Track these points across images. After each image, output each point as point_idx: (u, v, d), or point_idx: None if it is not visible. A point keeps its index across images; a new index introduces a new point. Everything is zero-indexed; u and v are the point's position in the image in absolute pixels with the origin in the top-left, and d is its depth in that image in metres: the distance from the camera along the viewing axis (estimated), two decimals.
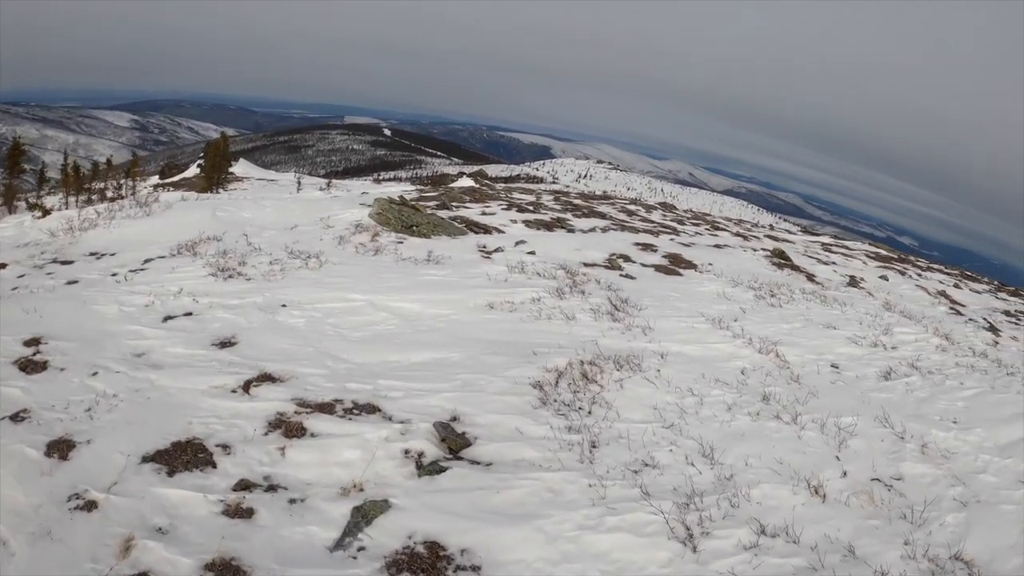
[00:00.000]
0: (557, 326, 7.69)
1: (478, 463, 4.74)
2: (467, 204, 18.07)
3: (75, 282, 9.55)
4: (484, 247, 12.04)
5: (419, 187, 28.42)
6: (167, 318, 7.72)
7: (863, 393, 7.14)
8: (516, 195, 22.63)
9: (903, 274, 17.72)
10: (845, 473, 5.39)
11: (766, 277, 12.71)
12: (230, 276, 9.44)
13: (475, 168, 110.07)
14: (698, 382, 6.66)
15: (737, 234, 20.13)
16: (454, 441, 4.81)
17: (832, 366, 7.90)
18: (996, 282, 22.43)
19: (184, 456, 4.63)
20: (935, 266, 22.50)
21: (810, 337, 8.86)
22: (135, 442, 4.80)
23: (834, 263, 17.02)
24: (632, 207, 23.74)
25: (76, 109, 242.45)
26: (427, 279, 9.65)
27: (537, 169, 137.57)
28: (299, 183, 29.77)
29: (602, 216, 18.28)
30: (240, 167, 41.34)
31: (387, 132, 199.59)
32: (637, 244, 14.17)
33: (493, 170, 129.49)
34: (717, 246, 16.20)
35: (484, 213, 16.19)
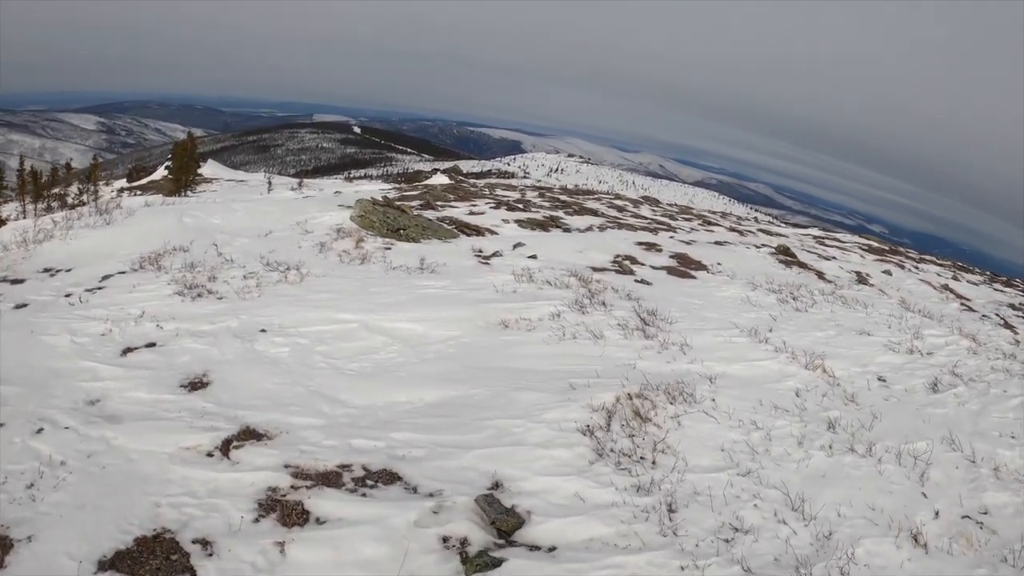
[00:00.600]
0: (586, 347, 6.60)
1: (538, 548, 3.59)
2: (452, 203, 16.90)
3: (24, 305, 8.17)
4: (480, 251, 10.91)
5: (396, 185, 27.05)
6: (126, 350, 6.43)
7: (918, 410, 6.42)
8: (501, 192, 21.49)
9: (902, 267, 17.10)
10: (937, 513, 4.70)
11: (780, 277, 11.85)
12: (199, 295, 8.14)
13: (449, 164, 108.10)
14: (758, 411, 5.68)
15: (732, 229, 19.32)
16: (504, 520, 3.66)
17: (879, 379, 7.11)
18: (988, 272, 22.05)
19: (152, 560, 3.41)
20: (927, 257, 22.02)
21: (849, 346, 8.03)
22: (88, 538, 3.59)
23: (835, 258, 16.30)
24: (619, 202, 22.80)
25: (41, 112, 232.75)
26: (426, 292, 8.48)
27: (508, 164, 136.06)
28: (270, 183, 28.62)
29: (594, 213, 17.26)
30: (209, 168, 39.82)
31: (356, 130, 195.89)
32: (639, 243, 13.17)
33: (464, 166, 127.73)
34: (718, 243, 15.32)
35: (472, 212, 15.05)
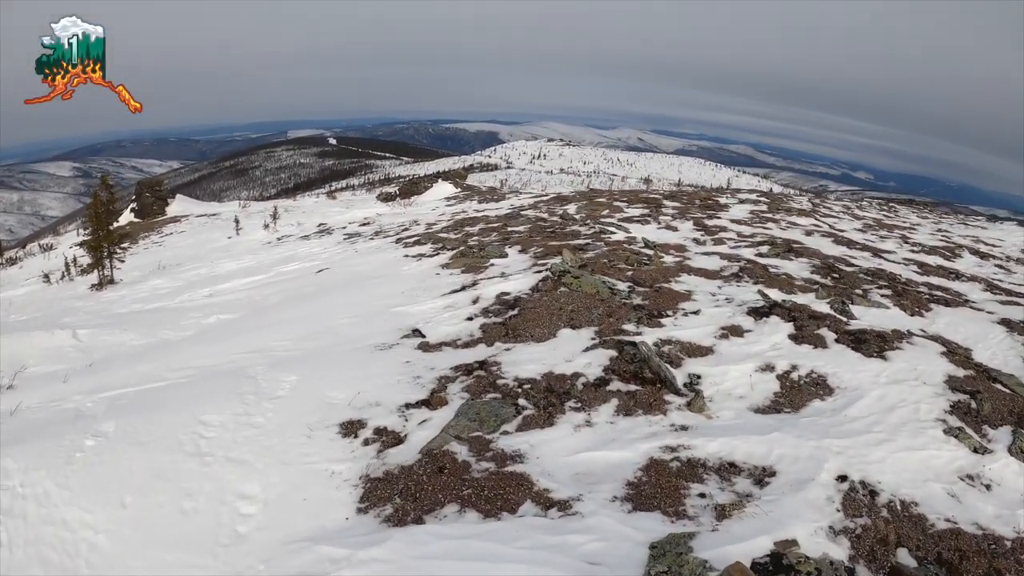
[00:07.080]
0: None
1: None
2: (621, 285, 7.59)
3: None
4: None
5: (424, 239, 17.48)
6: None
7: None
8: (639, 229, 11.96)
9: None
10: None
11: None
12: None
13: (448, 167, 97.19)
14: None
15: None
16: None
17: None
18: None
19: None
20: None
21: None
22: None
23: None
24: (785, 215, 13.56)
25: (16, 165, 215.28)
26: None
27: (489, 156, 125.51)
28: (237, 222, 20.33)
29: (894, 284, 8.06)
30: (177, 205, 32.60)
31: (332, 141, 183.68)
32: None
33: (445, 164, 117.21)
34: None
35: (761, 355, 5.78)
